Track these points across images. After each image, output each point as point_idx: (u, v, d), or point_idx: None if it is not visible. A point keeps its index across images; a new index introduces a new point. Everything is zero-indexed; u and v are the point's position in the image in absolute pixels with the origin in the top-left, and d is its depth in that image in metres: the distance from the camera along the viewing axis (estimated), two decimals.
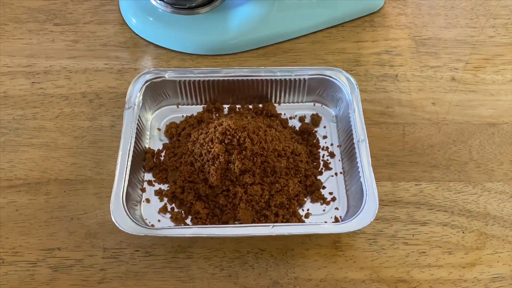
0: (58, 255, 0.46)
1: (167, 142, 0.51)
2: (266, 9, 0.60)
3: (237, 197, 0.45)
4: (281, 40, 0.62)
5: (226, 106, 0.54)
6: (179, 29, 0.60)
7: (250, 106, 0.54)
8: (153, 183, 0.48)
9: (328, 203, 0.47)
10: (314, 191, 0.48)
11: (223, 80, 0.52)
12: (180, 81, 0.52)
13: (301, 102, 0.54)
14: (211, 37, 0.60)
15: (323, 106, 0.54)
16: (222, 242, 0.47)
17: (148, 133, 0.51)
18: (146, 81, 0.51)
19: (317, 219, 0.46)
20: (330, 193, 0.48)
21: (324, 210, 0.47)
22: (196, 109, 0.54)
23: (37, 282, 0.44)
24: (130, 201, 0.44)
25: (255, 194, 0.45)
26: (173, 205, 0.47)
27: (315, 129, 0.53)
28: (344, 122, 0.51)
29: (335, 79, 0.51)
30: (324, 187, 0.48)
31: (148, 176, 0.49)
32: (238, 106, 0.54)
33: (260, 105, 0.54)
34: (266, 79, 0.52)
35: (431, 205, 0.49)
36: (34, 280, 0.44)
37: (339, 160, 0.50)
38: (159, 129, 0.52)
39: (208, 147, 0.45)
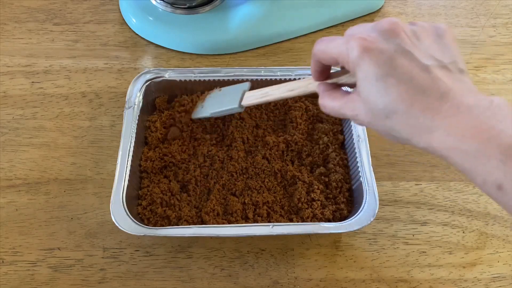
0: (58, 255, 0.46)
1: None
2: (266, 8, 0.60)
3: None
4: (281, 40, 0.62)
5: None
6: (179, 29, 0.60)
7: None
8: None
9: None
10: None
11: (223, 80, 0.52)
12: (180, 80, 0.52)
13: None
14: (211, 37, 0.60)
15: None
16: (222, 242, 0.47)
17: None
18: (146, 81, 0.51)
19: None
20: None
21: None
22: None
23: (37, 282, 0.44)
24: (130, 201, 0.44)
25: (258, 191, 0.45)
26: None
27: None
28: (344, 121, 0.51)
29: None
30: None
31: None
32: None
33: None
34: (266, 79, 0.52)
35: (431, 204, 0.49)
36: (34, 280, 0.44)
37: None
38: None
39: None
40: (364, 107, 0.30)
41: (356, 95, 0.31)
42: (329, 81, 0.35)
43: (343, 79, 0.34)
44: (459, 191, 0.50)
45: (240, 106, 0.45)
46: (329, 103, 0.34)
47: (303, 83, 0.39)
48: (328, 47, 0.32)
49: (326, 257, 0.46)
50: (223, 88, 0.49)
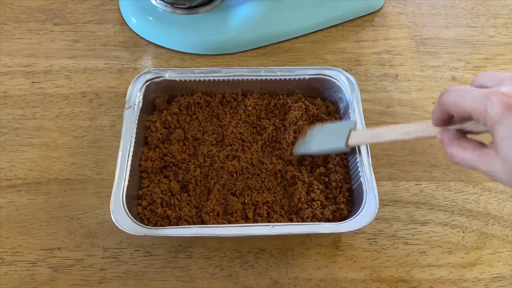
0: (58, 255, 0.46)
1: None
2: (266, 8, 0.60)
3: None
4: (281, 40, 0.62)
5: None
6: (179, 29, 0.60)
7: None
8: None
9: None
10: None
11: (223, 80, 0.52)
12: (180, 80, 0.52)
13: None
14: (211, 37, 0.60)
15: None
16: (222, 242, 0.47)
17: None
18: (146, 81, 0.51)
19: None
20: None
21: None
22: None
23: (37, 282, 0.44)
24: (130, 201, 0.44)
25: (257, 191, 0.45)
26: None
27: None
28: (343, 120, 0.51)
29: (335, 79, 0.51)
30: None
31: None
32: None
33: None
34: (266, 79, 0.52)
35: (431, 204, 0.49)
36: (34, 280, 0.44)
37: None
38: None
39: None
40: (504, 166, 0.28)
41: (492, 151, 0.29)
42: (453, 127, 0.33)
43: (468, 126, 0.32)
44: (459, 191, 0.50)
45: (347, 146, 0.43)
46: (459, 154, 0.32)
47: (420, 126, 0.36)
48: (462, 100, 0.30)
49: (326, 257, 0.46)
50: (326, 125, 0.48)
